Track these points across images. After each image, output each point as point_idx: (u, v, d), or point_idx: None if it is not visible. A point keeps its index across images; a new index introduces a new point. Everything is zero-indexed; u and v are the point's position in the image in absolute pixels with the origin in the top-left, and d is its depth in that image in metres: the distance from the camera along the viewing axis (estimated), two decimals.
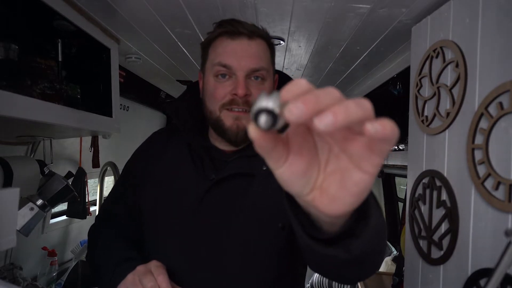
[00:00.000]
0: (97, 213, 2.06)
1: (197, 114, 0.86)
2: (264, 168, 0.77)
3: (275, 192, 0.57)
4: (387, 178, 3.13)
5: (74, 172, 1.63)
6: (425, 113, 1.06)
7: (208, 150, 0.84)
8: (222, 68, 0.75)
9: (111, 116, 1.33)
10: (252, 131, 0.28)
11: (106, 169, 1.97)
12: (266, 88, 0.78)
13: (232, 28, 0.74)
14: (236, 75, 0.75)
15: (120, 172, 2.03)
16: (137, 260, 0.75)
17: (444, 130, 0.95)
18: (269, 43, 0.81)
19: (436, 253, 0.96)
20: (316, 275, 2.77)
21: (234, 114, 0.76)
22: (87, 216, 1.86)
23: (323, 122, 0.25)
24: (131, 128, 2.30)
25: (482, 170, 0.79)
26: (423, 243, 1.04)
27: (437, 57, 1.01)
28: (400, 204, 3.09)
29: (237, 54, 0.74)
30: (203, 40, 0.83)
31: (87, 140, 1.81)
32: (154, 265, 0.71)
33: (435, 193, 0.99)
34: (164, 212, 0.81)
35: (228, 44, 0.75)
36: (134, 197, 0.88)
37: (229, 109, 0.76)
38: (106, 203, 0.96)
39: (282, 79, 0.90)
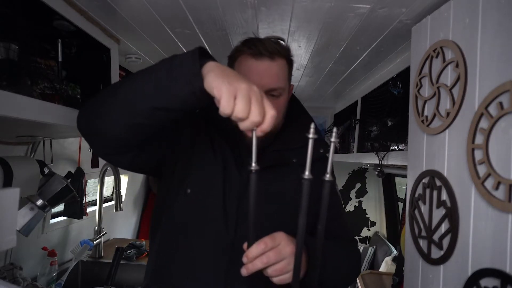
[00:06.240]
0: (96, 212, 2.03)
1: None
2: (294, 160, 0.91)
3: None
4: (387, 178, 3.13)
5: (74, 172, 1.63)
6: (425, 113, 1.06)
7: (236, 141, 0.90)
8: None
9: None
10: None
11: (106, 169, 1.96)
12: (281, 102, 0.88)
13: (255, 49, 0.83)
14: None
15: (121, 172, 2.03)
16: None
17: (444, 130, 0.95)
18: (289, 60, 0.90)
19: (436, 253, 0.96)
20: None
21: None
22: (84, 217, 1.86)
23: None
24: None
25: (482, 170, 0.79)
26: (423, 243, 1.04)
27: (437, 57, 1.01)
28: (400, 204, 3.10)
29: (259, 73, 0.83)
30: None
31: None
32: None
33: (435, 193, 0.99)
34: (204, 195, 0.86)
35: (252, 63, 0.84)
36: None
37: None
38: None
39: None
